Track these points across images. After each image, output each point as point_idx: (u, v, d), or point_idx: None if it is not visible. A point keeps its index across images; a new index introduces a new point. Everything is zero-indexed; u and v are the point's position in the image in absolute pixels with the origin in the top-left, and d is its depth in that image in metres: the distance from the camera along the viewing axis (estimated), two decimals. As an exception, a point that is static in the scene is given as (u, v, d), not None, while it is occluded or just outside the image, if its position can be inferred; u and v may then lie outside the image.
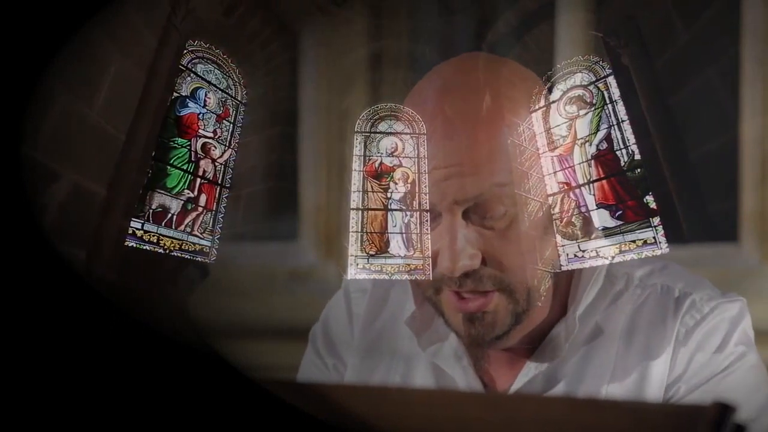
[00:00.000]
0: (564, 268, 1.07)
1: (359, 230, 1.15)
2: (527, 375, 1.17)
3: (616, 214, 1.03)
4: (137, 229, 0.94)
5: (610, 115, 1.04)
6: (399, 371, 1.26)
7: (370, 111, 1.21)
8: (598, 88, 1.06)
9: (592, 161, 1.04)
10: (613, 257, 1.04)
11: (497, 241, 1.08)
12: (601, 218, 1.04)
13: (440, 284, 1.13)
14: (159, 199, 0.96)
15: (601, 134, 1.05)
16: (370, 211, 1.16)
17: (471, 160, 1.06)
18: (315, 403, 0.94)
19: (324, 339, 1.35)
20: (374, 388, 1.10)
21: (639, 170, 1.01)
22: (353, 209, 1.16)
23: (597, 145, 1.05)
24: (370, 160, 1.19)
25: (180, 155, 1.00)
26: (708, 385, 1.12)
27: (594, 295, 1.17)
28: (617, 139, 1.03)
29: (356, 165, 1.19)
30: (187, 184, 1.00)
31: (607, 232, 1.04)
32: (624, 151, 1.03)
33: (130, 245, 0.93)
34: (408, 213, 1.15)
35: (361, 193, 1.17)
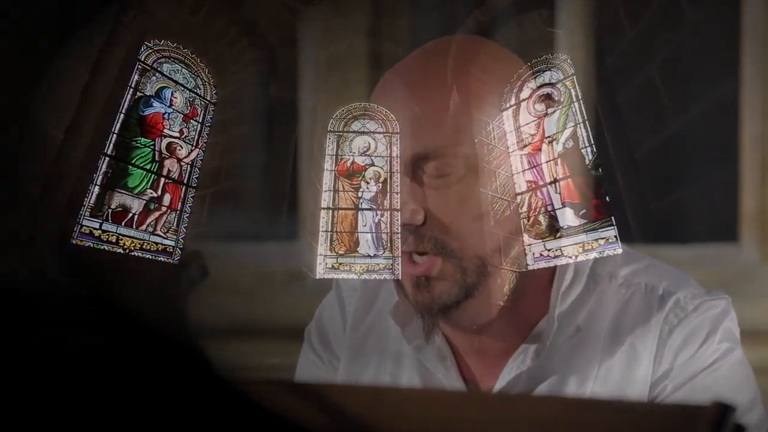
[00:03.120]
0: (530, 267, 1.06)
1: (329, 229, 1.15)
2: (510, 373, 1.18)
3: (581, 213, 1.03)
4: (94, 228, 0.94)
5: (576, 113, 1.04)
6: (388, 369, 1.28)
7: (343, 110, 1.21)
8: (566, 86, 1.06)
9: (559, 160, 1.04)
10: (576, 256, 1.03)
11: (445, 202, 1.10)
12: (566, 217, 1.03)
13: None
14: (119, 198, 0.96)
15: (567, 132, 1.04)
16: (340, 211, 1.15)
17: (429, 116, 1.08)
18: (312, 403, 0.94)
19: (318, 335, 1.37)
20: (369, 387, 1.10)
21: (601, 168, 1.01)
22: (324, 208, 1.16)
23: (563, 144, 1.05)
24: (342, 159, 1.19)
25: (143, 155, 1.00)
26: (693, 382, 1.13)
27: (577, 294, 1.17)
28: (582, 137, 1.03)
29: (328, 164, 1.18)
30: (150, 183, 0.99)
31: (572, 231, 1.03)
32: (589, 149, 1.02)
33: (87, 245, 0.93)
34: (378, 212, 1.15)
35: (332, 192, 1.16)
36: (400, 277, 1.13)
